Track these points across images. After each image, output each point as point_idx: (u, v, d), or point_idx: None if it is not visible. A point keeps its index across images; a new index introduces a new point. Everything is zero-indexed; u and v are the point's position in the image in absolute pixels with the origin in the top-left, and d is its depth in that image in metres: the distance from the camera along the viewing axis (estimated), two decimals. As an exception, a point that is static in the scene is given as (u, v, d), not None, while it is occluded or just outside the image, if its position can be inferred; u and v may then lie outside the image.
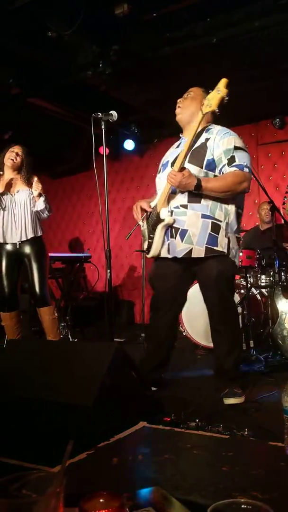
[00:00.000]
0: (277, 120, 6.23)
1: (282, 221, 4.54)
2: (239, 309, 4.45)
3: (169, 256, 2.81)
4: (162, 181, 2.83)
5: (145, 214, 2.94)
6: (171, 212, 2.76)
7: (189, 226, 2.71)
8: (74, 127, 6.33)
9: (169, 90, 5.27)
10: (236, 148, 2.69)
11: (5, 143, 4.09)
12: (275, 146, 6.47)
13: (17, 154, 3.88)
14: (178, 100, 2.94)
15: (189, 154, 2.73)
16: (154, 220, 2.82)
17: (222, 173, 2.69)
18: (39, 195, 3.79)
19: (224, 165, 2.68)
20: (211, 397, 2.87)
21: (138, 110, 5.89)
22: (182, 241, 2.72)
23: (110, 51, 4.48)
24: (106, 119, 2.80)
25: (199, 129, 2.80)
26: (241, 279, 4.90)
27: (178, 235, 2.73)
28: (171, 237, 2.78)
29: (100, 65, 4.57)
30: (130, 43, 4.46)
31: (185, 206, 2.72)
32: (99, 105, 3.60)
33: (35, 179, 3.82)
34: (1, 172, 3.86)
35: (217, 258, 2.71)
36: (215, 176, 2.71)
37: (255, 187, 6.37)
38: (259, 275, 4.65)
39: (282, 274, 4.29)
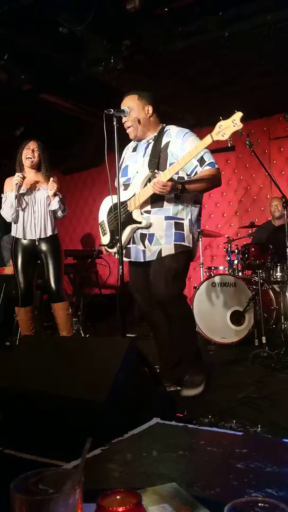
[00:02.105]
0: (290, 114, 6.17)
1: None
2: (251, 305, 4.45)
3: (129, 260, 2.95)
4: (135, 183, 2.88)
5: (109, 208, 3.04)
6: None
7: (155, 230, 2.84)
8: (85, 123, 6.34)
9: (181, 85, 5.27)
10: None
11: (17, 139, 4.10)
12: (287, 141, 6.42)
13: (33, 150, 3.89)
14: (123, 122, 2.95)
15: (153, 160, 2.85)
16: (124, 218, 2.86)
17: (196, 173, 2.81)
18: (54, 194, 3.81)
19: (196, 167, 2.82)
20: (224, 393, 2.88)
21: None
22: (151, 245, 2.85)
23: (121, 46, 4.47)
24: (118, 115, 2.80)
25: (155, 134, 2.94)
26: (253, 274, 4.90)
27: (147, 240, 2.86)
28: (133, 243, 2.90)
29: (112, 61, 4.57)
30: (142, 38, 4.44)
31: (148, 212, 2.86)
32: (110, 100, 3.59)
33: (51, 179, 3.85)
34: (25, 175, 3.85)
35: (176, 253, 2.82)
36: (179, 178, 2.81)
37: (267, 181, 6.37)
38: (271, 271, 4.63)
39: (295, 269, 4.27)
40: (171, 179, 2.70)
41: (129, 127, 2.95)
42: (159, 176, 2.71)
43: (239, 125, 2.56)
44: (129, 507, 0.71)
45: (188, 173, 2.84)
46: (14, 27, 4.17)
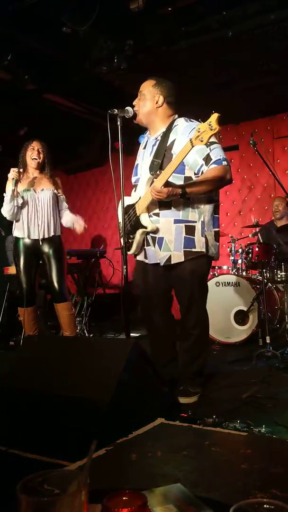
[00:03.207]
0: (293, 113, 6.16)
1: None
2: (255, 304, 4.44)
3: (147, 262, 2.88)
4: (140, 185, 2.84)
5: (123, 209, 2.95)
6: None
7: (164, 234, 2.74)
8: (89, 123, 6.34)
9: (185, 84, 5.25)
10: (207, 144, 2.62)
11: (21, 139, 4.10)
12: (291, 140, 6.40)
13: (38, 151, 3.89)
14: (134, 103, 2.89)
15: (156, 161, 2.76)
16: (134, 221, 2.83)
17: (202, 172, 2.67)
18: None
19: (202, 166, 2.66)
20: (228, 393, 2.87)
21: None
22: (160, 250, 2.76)
23: (125, 46, 4.47)
24: (122, 115, 2.78)
25: (164, 129, 2.82)
26: (257, 274, 4.89)
27: (156, 244, 2.78)
28: (147, 245, 2.84)
29: (115, 60, 4.56)
30: (145, 37, 4.44)
31: (157, 214, 2.76)
32: (113, 100, 3.59)
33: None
34: (21, 170, 3.86)
35: (193, 259, 2.72)
36: (186, 177, 2.70)
37: (271, 181, 6.35)
38: (275, 270, 4.62)
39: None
40: (169, 184, 2.57)
41: (135, 110, 2.86)
42: (155, 181, 2.60)
43: (216, 128, 2.39)
44: (134, 508, 0.71)
45: (195, 172, 2.71)
46: (17, 27, 4.17)
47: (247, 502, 0.71)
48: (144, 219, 2.79)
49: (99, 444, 1.50)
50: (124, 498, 0.75)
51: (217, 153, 2.67)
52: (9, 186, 3.77)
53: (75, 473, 0.76)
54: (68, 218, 4.03)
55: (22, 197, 3.82)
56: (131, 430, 1.65)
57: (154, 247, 2.80)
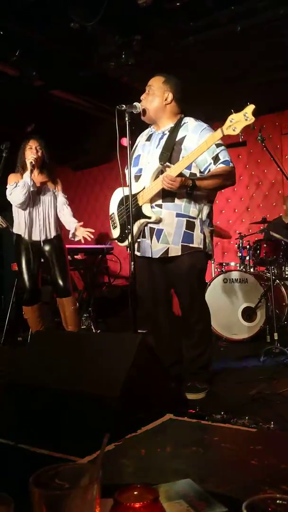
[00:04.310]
0: (302, 109, 6.12)
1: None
2: (263, 301, 4.43)
3: (139, 255, 2.86)
4: (145, 175, 2.82)
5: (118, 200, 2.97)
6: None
7: (165, 226, 2.74)
8: (96, 119, 6.33)
9: (193, 80, 5.24)
10: (217, 145, 2.69)
11: (27, 136, 4.10)
12: (300, 136, 6.36)
13: (36, 149, 3.88)
14: (141, 97, 2.89)
15: (165, 153, 2.76)
16: (133, 212, 2.78)
17: (209, 170, 2.72)
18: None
19: (210, 164, 2.71)
20: (236, 389, 2.87)
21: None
22: (158, 241, 2.75)
23: (132, 41, 4.45)
24: (130, 111, 2.77)
25: (172, 125, 2.83)
26: (265, 271, 4.87)
27: (154, 235, 2.77)
28: (143, 237, 2.83)
29: (123, 56, 4.55)
30: (153, 33, 4.42)
31: (159, 206, 2.76)
32: (121, 96, 3.58)
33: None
34: (38, 157, 3.84)
35: (190, 254, 2.73)
36: (191, 174, 2.73)
37: (279, 177, 6.32)
38: (283, 267, 4.60)
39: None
40: (181, 175, 2.61)
41: (142, 106, 2.87)
42: (169, 170, 2.63)
43: (251, 119, 2.43)
44: (146, 503, 0.71)
45: (202, 170, 2.75)
46: (25, 23, 4.17)
47: (260, 497, 0.71)
48: (147, 209, 2.78)
49: (108, 439, 1.50)
50: (135, 492, 0.75)
51: (225, 154, 2.74)
52: (26, 173, 3.76)
53: (87, 467, 0.76)
54: (68, 219, 3.99)
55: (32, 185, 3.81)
56: (140, 426, 1.65)
57: (151, 239, 2.79)
